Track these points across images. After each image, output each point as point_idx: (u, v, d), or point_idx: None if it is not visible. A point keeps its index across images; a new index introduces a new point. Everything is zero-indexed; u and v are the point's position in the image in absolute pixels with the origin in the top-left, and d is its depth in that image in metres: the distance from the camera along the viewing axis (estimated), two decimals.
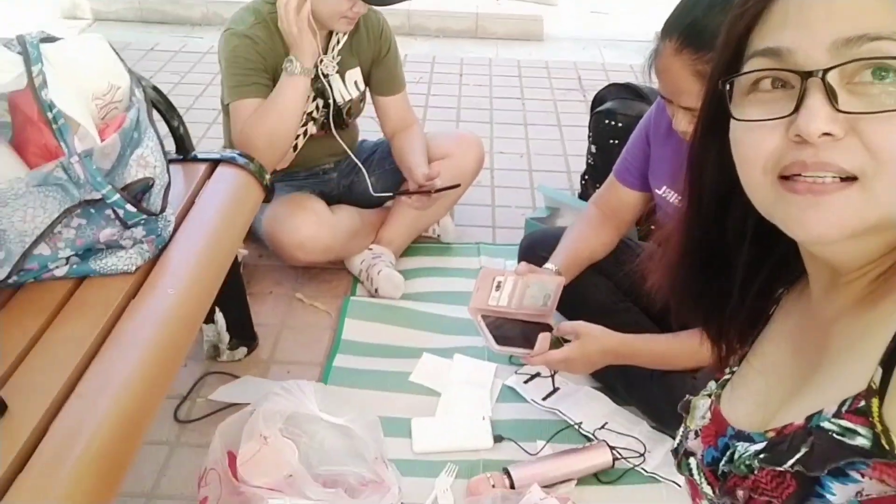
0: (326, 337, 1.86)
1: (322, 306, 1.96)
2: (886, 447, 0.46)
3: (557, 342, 1.56)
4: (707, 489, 0.64)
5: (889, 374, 0.48)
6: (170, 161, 1.51)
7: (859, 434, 0.48)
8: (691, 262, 0.67)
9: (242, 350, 1.78)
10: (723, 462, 0.61)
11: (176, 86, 3.26)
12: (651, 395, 1.57)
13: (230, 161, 1.58)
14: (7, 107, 1.22)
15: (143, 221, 1.23)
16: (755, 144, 0.52)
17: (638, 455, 1.54)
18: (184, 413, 1.63)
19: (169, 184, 1.27)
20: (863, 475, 0.48)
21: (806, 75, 0.48)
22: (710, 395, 0.73)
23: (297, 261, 1.95)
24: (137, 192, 1.21)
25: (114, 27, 4.31)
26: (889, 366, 0.48)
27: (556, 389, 1.71)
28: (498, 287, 1.56)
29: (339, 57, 1.95)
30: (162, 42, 3.86)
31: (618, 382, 1.65)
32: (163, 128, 1.40)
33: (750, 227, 0.62)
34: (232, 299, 1.73)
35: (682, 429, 0.73)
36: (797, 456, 0.51)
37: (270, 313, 1.93)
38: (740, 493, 0.57)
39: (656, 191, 1.63)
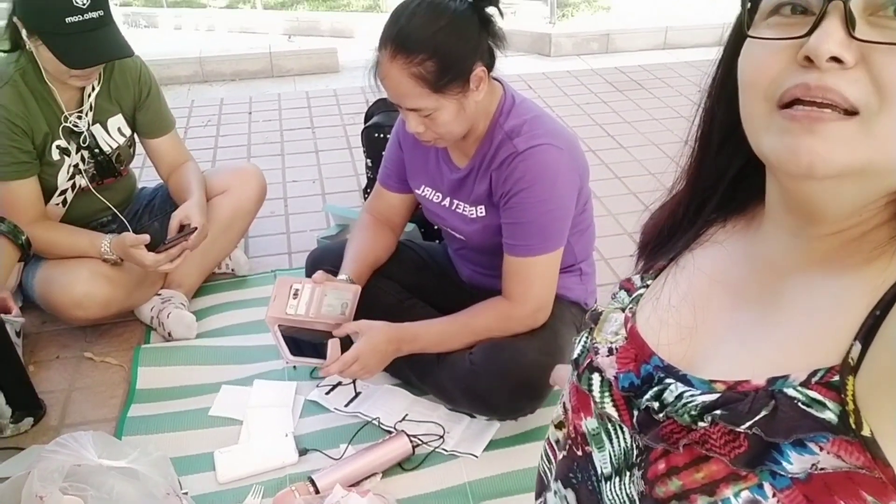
0: (121, 391, 1.81)
1: (115, 361, 1.90)
2: (853, 426, 0.45)
3: (348, 347, 1.61)
4: (612, 411, 0.62)
5: (864, 352, 0.47)
6: None
7: (827, 408, 0.47)
8: (687, 190, 0.66)
9: (28, 421, 1.70)
10: (648, 396, 0.58)
11: None
12: (439, 378, 1.66)
13: None
14: None
15: None
16: (762, 65, 0.50)
17: (437, 437, 1.62)
18: None
19: None
20: (821, 448, 0.47)
21: None
22: (623, 309, 0.68)
23: (77, 320, 1.89)
24: None
25: None
26: (866, 342, 0.47)
27: (357, 394, 1.77)
28: (296, 295, 1.57)
29: (92, 109, 1.92)
30: None
31: (411, 373, 1.74)
32: None
33: (734, 167, 0.62)
34: (6, 370, 1.65)
35: (584, 337, 0.69)
36: (756, 418, 0.49)
37: (58, 378, 1.85)
38: (682, 442, 0.54)
39: (416, 191, 1.74)
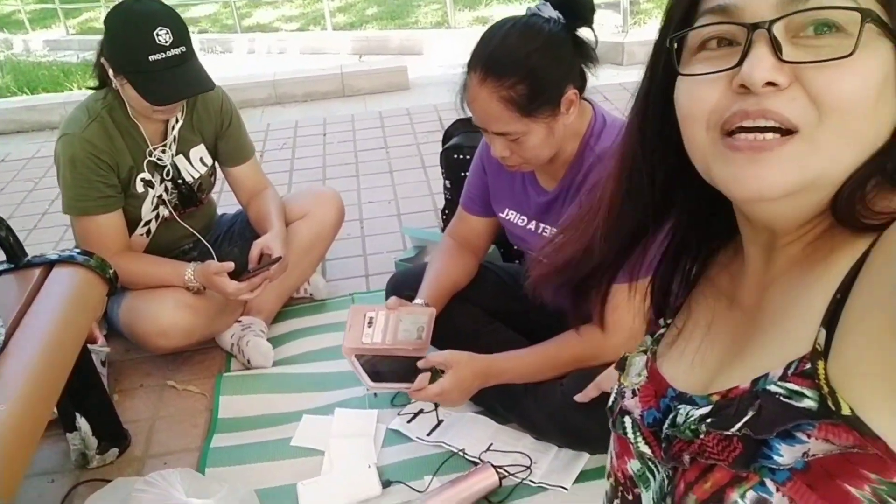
0: (203, 420, 1.80)
1: (196, 389, 1.90)
2: (833, 408, 0.46)
3: (435, 375, 1.56)
4: (644, 448, 0.64)
5: (832, 336, 0.48)
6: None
7: (806, 396, 0.48)
8: (622, 219, 0.66)
9: (114, 452, 1.70)
10: (666, 425, 0.60)
11: (30, 193, 3.16)
12: (527, 408, 1.59)
13: (67, 261, 1.53)
14: None
15: None
16: (699, 98, 0.52)
17: (524, 468, 1.55)
18: None
19: None
20: (809, 436, 0.48)
21: (752, 27, 0.48)
22: (645, 352, 0.71)
23: (160, 349, 1.89)
24: None
25: None
26: (831, 327, 0.48)
27: (440, 422, 1.70)
28: (370, 323, 1.54)
29: (176, 141, 1.94)
30: (13, 152, 3.74)
31: (496, 402, 1.67)
32: None
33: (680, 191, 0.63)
34: (92, 401, 1.66)
35: (616, 386, 0.72)
36: (744, 419, 0.51)
37: (142, 407, 1.86)
38: (686, 457, 0.56)
39: (500, 215, 1.68)
